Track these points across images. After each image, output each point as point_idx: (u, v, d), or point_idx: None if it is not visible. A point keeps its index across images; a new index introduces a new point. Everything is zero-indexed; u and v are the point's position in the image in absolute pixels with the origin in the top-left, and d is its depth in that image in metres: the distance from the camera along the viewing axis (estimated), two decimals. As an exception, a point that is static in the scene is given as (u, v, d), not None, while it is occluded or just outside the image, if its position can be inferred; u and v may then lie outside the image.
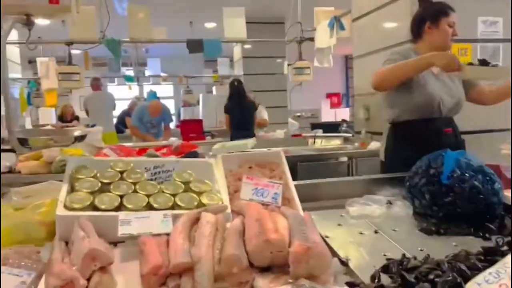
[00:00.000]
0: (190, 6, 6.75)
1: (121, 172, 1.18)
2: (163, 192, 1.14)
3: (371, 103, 3.41)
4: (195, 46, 4.24)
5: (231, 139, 4.34)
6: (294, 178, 1.37)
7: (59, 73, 3.83)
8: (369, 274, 0.94)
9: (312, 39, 4.45)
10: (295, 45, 4.68)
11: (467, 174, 1.26)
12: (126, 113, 8.07)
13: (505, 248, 1.05)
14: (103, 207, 1.04)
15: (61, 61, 4.72)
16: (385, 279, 0.92)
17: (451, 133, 2.05)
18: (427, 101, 1.97)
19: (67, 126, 6.14)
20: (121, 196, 1.08)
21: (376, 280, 0.92)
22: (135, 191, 1.12)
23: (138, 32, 4.14)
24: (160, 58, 9.66)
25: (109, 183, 1.12)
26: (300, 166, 2.89)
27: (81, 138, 1.20)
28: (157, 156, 2.49)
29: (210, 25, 8.13)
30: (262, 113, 5.65)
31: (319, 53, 4.35)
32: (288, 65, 4.60)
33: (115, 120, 7.48)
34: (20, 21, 1.05)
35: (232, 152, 2.85)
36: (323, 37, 4.14)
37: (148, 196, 1.11)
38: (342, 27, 3.89)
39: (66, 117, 7.51)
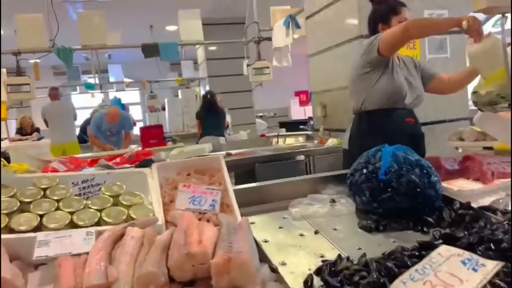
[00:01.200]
0: (150, 9, 6.63)
1: (44, 190, 1.11)
2: (88, 208, 1.08)
3: (328, 100, 3.42)
4: (150, 50, 4.15)
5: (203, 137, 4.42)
6: (252, 180, 1.34)
7: (8, 84, 3.66)
8: (303, 279, 0.92)
9: (270, 39, 4.44)
10: (253, 46, 4.66)
11: (404, 169, 1.26)
12: (87, 122, 7.85)
13: (439, 241, 1.05)
14: (21, 228, 0.98)
15: (11, 72, 4.53)
16: (317, 282, 0.90)
17: (413, 124, 2.10)
18: (394, 91, 2.01)
19: (26, 139, 5.92)
20: (42, 216, 1.02)
21: (309, 285, 0.90)
22: (58, 208, 1.06)
23: (91, 39, 4.01)
24: (122, 64, 9.47)
25: (30, 202, 1.06)
26: (258, 167, 2.86)
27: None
28: (109, 167, 2.42)
29: (171, 28, 8.01)
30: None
31: (277, 53, 4.34)
32: (248, 65, 4.57)
33: (78, 130, 7.26)
34: None
35: (190, 157, 2.80)
36: (280, 36, 4.13)
37: (72, 213, 1.05)
38: (297, 26, 3.89)
39: (26, 130, 7.25)
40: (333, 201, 1.40)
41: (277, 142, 4.31)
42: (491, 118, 1.65)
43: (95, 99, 9.50)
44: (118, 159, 2.61)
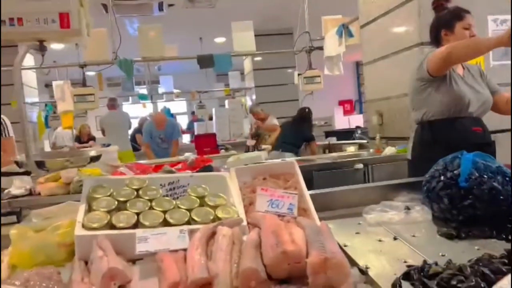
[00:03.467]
0: (200, 22, 6.86)
1: (137, 190, 1.19)
2: (178, 207, 1.14)
3: (384, 108, 3.38)
4: (205, 61, 4.29)
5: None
6: (310, 188, 1.36)
7: (74, 95, 3.91)
8: (390, 283, 0.93)
9: (321, 48, 4.46)
10: (304, 55, 4.69)
11: (485, 176, 1.24)
12: (137, 131, 8.20)
13: (529, 250, 1.02)
14: (120, 225, 1.05)
15: (76, 83, 4.83)
16: (406, 286, 0.91)
17: (480, 132, 2.06)
18: (455, 101, 2.01)
19: (84, 147, 6.25)
20: (138, 214, 1.09)
21: (398, 288, 0.91)
22: (151, 208, 1.13)
23: (150, 51, 4.22)
24: (172, 75, 9.80)
25: (126, 201, 1.14)
26: (316, 175, 2.87)
27: (96, 158, 1.22)
28: (173, 172, 2.51)
29: (219, 39, 8.22)
30: (274, 121, 5.71)
31: (328, 61, 4.35)
32: (299, 74, 4.61)
33: (130, 139, 7.59)
34: (34, 47, 1.09)
35: (247, 164, 2.86)
36: (332, 45, 4.14)
37: (164, 212, 1.11)
38: (350, 34, 3.89)
39: (83, 138, 7.66)
40: (407, 208, 1.39)
41: (329, 151, 4.29)
42: None
43: (146, 109, 9.90)
44: (180, 165, 2.71)
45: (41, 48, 1.12)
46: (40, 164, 1.04)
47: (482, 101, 2.06)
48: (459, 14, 2.07)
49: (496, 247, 1.10)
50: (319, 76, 4.18)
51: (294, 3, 4.78)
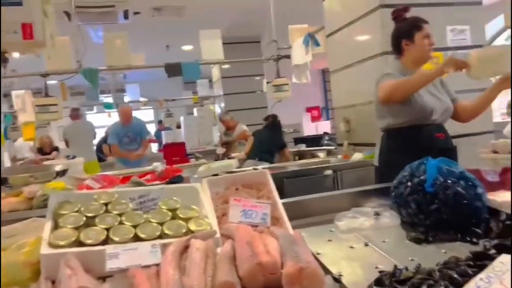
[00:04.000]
0: (167, 30, 6.79)
1: (106, 204, 1.16)
2: (149, 221, 1.12)
3: (351, 115, 3.46)
4: (173, 69, 4.25)
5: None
6: (281, 195, 1.37)
7: (36, 105, 3.77)
8: (364, 289, 0.94)
9: (288, 57, 4.52)
10: (272, 63, 4.75)
11: (449, 181, 1.28)
12: (103, 141, 8.00)
13: (492, 251, 1.07)
14: (89, 242, 1.02)
15: (37, 92, 4.67)
16: (380, 292, 0.93)
17: (443, 138, 2.14)
18: (419, 110, 2.07)
19: (47, 159, 6.02)
20: (107, 229, 1.06)
21: (370, 294, 0.93)
22: (121, 222, 1.10)
23: (116, 60, 4.14)
24: (138, 83, 9.65)
25: (94, 217, 1.10)
26: (287, 182, 2.89)
27: (62, 173, 1.18)
28: (141, 183, 2.46)
29: (187, 47, 8.18)
30: (243, 128, 5.72)
31: (296, 70, 4.42)
32: (267, 83, 4.65)
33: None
34: (-6, 58, 1.05)
35: (217, 174, 2.84)
36: (299, 54, 4.21)
37: (134, 227, 1.09)
38: (317, 43, 3.97)
39: (45, 149, 7.37)
40: (377, 214, 1.42)
41: (299, 158, 4.34)
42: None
43: (111, 118, 9.67)
44: (148, 176, 2.66)
45: (2, 59, 1.07)
46: (2, 181, 0.99)
47: (444, 109, 2.15)
48: (418, 24, 2.14)
49: (461, 250, 1.14)
50: (287, 84, 4.23)
51: (261, 12, 4.83)
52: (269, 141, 4.71)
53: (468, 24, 2.99)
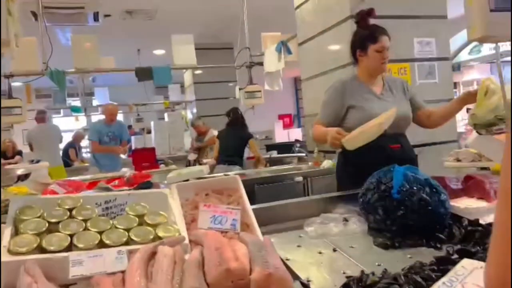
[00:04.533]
0: (138, 33, 6.70)
1: (70, 210, 1.12)
2: (116, 227, 1.09)
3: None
4: (144, 74, 4.19)
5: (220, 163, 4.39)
6: (252, 201, 1.37)
7: (-1, 107, 3.61)
8: (330, 295, 0.95)
9: (261, 64, 4.55)
10: (245, 70, 4.76)
11: (415, 188, 1.32)
12: (70, 145, 7.78)
13: (455, 256, 1.10)
14: (51, 248, 0.98)
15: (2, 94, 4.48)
16: (347, 297, 0.94)
17: (398, 149, 2.06)
18: (367, 121, 1.93)
19: (9, 163, 5.79)
20: (71, 235, 1.03)
21: (338, 300, 0.94)
22: (86, 228, 1.06)
23: (84, 62, 4.03)
24: (108, 87, 9.45)
25: (58, 222, 1.06)
26: (258, 189, 2.89)
27: (24, 177, 1.13)
28: (109, 189, 2.40)
29: (158, 52, 8.09)
30: (214, 134, 5.68)
31: (268, 77, 4.45)
32: (240, 89, 4.65)
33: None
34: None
35: (188, 180, 2.81)
36: (272, 61, 4.24)
37: (100, 233, 1.05)
38: (289, 51, 4.02)
39: (7, 153, 7.09)
40: (345, 220, 1.44)
41: (268, 165, 4.36)
42: (487, 140, 1.74)
43: (79, 122, 9.42)
44: (116, 182, 2.59)
45: (-39, 57, 1.02)
46: (-42, 185, 0.94)
47: (398, 117, 1.97)
48: (373, 36, 2.05)
49: (426, 254, 1.17)
50: (259, 91, 4.25)
51: (234, 19, 4.85)
52: (234, 142, 4.66)
53: (434, 36, 3.11)
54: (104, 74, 7.87)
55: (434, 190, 1.33)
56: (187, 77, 8.21)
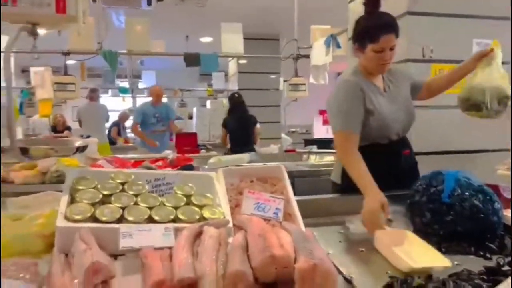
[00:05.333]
0: (187, 20, 6.80)
1: (122, 184, 1.16)
2: (164, 205, 1.12)
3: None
4: (192, 60, 4.26)
5: (232, 153, 4.35)
6: (290, 194, 1.36)
7: (55, 83, 3.80)
8: (373, 292, 0.94)
9: (308, 56, 4.50)
10: (290, 62, 4.73)
11: (467, 193, 1.27)
12: (114, 124, 8.05)
13: (506, 268, 1.05)
14: (104, 219, 1.02)
15: (55, 71, 4.70)
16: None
17: (409, 155, 1.89)
18: (381, 128, 1.78)
19: (61, 137, 6.08)
20: (122, 208, 1.07)
21: (380, 299, 0.92)
22: (136, 203, 1.10)
23: (136, 45, 4.16)
24: (155, 71, 9.68)
25: (110, 195, 1.11)
26: (297, 182, 2.88)
27: (82, 149, 1.19)
28: (153, 169, 2.47)
29: (206, 39, 8.18)
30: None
31: (314, 70, 4.39)
32: (284, 81, 4.63)
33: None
34: (26, 30, 1.05)
35: (227, 166, 2.84)
36: (319, 54, 4.19)
37: (149, 208, 1.09)
38: (338, 46, 3.94)
39: (58, 127, 7.45)
40: (389, 220, 1.41)
41: (308, 159, 4.32)
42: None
43: (125, 102, 9.73)
44: (160, 163, 2.66)
45: (33, 31, 1.08)
46: (24, 151, 1.00)
47: (408, 119, 1.85)
48: (372, 35, 1.67)
49: (474, 263, 1.13)
50: (304, 84, 4.21)
51: (283, 10, 4.81)
52: (244, 131, 4.73)
53: (493, 38, 2.94)
54: (152, 58, 8.07)
55: (488, 197, 1.28)
56: (232, 66, 8.26)
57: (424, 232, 1.32)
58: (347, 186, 1.74)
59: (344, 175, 1.82)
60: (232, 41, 4.36)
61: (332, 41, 3.95)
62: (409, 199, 1.39)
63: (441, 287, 0.88)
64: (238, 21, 4.72)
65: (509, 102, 1.74)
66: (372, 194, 1.41)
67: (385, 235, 1.24)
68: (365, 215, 1.36)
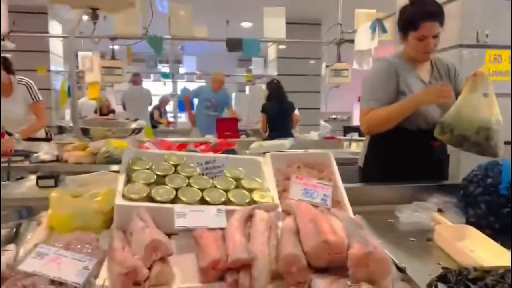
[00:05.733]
0: (228, 5, 6.80)
1: (175, 166, 1.20)
2: (215, 187, 1.15)
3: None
4: (234, 45, 4.27)
5: (271, 139, 4.35)
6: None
7: (103, 67, 3.94)
8: (424, 283, 0.92)
9: (352, 41, 4.40)
10: (332, 47, 4.64)
11: (528, 186, 1.21)
12: (155, 107, 8.23)
13: None
14: (159, 199, 1.06)
15: (101, 55, 4.86)
16: (443, 288, 0.90)
17: (438, 147, 1.81)
18: (413, 115, 1.74)
19: (108, 119, 6.31)
20: (176, 189, 1.10)
21: (434, 289, 0.90)
22: (189, 185, 1.13)
23: (180, 30, 4.21)
24: (195, 56, 9.79)
25: (164, 176, 1.14)
26: (341, 169, 2.83)
27: (138, 131, 1.23)
28: (197, 152, 2.52)
29: (246, 24, 8.16)
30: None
31: (358, 55, 4.29)
32: (326, 66, 4.56)
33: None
34: (87, 14, 1.09)
35: (269, 152, 2.85)
36: (364, 39, 4.07)
37: (201, 190, 1.12)
38: (384, 30, 3.82)
39: (103, 110, 7.72)
40: (440, 210, 1.38)
41: (349, 146, 4.25)
42: None
43: (166, 87, 9.92)
44: (203, 146, 2.72)
45: (93, 16, 1.11)
46: (85, 131, 1.05)
47: (442, 110, 1.76)
48: (413, 22, 1.70)
49: (532, 259, 1.08)
50: (347, 70, 4.12)
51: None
52: (284, 118, 4.73)
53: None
54: (193, 43, 8.16)
55: (549, 191, 1.21)
56: (271, 51, 8.20)
57: (478, 224, 1.28)
58: (369, 170, 1.91)
59: (366, 159, 1.97)
60: (275, 25, 4.33)
61: (378, 25, 3.83)
62: (462, 189, 1.34)
63: (501, 280, 0.85)
64: (278, 5, 4.67)
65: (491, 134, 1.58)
66: (416, 96, 1.67)
67: (446, 230, 1.20)
68: (434, 98, 1.62)
